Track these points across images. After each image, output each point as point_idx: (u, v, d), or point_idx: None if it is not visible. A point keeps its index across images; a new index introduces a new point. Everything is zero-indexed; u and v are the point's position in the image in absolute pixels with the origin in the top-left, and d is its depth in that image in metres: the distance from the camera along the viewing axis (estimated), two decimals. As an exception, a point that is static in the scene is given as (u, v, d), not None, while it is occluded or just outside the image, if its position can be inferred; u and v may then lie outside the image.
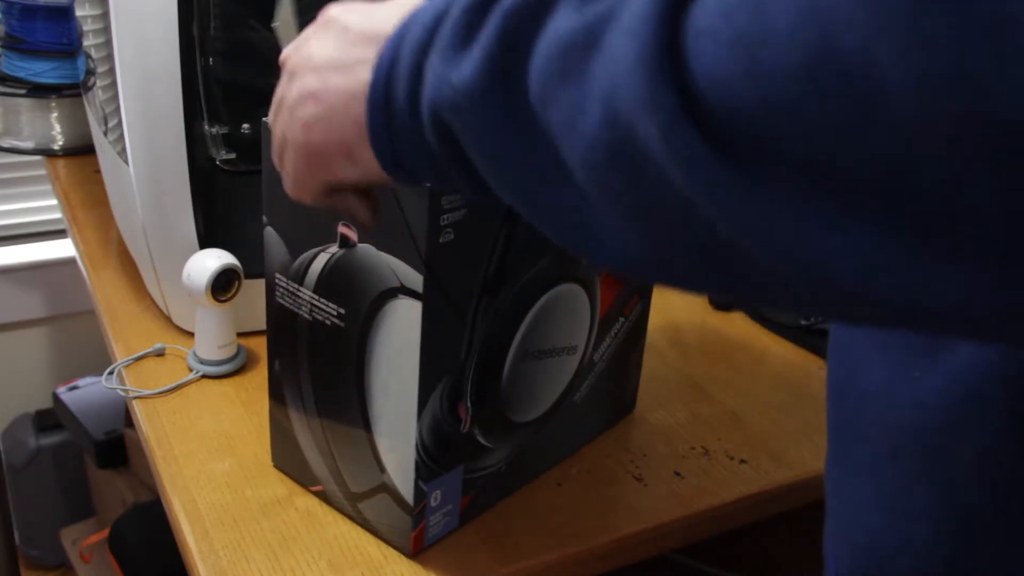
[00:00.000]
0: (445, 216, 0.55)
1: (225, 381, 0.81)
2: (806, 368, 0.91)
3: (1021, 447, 0.40)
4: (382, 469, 0.63)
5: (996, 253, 0.25)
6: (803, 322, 0.95)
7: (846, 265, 0.26)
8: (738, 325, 0.97)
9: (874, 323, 0.30)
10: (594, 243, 0.35)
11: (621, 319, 0.75)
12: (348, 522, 0.67)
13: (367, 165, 0.44)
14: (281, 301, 0.64)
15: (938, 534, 0.44)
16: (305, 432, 0.67)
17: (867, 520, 0.48)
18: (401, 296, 0.57)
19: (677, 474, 0.75)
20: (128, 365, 0.82)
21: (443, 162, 0.39)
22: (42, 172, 1.52)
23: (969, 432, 0.41)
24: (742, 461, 0.77)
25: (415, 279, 0.56)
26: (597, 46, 0.30)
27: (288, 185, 0.50)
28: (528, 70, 0.33)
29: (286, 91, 0.47)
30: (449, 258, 0.56)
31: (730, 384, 0.87)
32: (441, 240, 0.55)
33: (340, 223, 0.58)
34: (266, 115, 0.61)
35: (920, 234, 0.25)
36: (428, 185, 0.49)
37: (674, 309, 0.99)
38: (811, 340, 0.94)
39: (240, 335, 0.83)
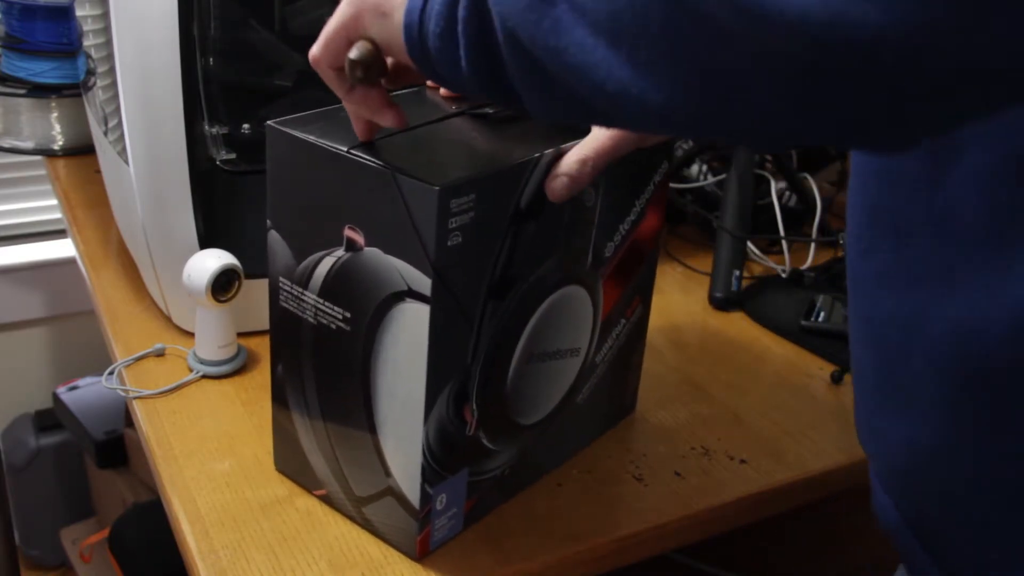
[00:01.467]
0: (453, 219, 0.55)
1: (225, 381, 0.81)
2: (806, 368, 0.91)
3: None
4: (387, 473, 0.63)
5: (675, 71, 0.37)
6: (803, 322, 0.95)
7: (593, 67, 0.40)
8: (738, 325, 0.97)
9: (613, 117, 0.42)
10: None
11: (623, 321, 0.75)
12: (348, 522, 0.67)
13: (392, 28, 0.50)
14: (285, 305, 0.64)
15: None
16: (308, 436, 0.67)
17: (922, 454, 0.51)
18: (408, 299, 0.57)
19: (677, 474, 0.75)
20: (128, 365, 0.82)
21: (469, 42, 0.46)
22: (42, 172, 1.52)
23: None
24: (742, 461, 0.77)
25: (423, 282, 0.56)
26: None
27: (315, 46, 0.55)
28: None
29: None
30: (457, 261, 0.56)
31: (730, 384, 0.87)
32: (449, 243, 0.55)
33: (347, 227, 0.58)
34: (267, 115, 0.61)
35: (630, 47, 0.38)
36: (434, 75, 0.50)
37: (674, 309, 0.99)
38: (811, 340, 0.94)
39: (240, 335, 0.83)
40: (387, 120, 0.56)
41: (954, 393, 0.50)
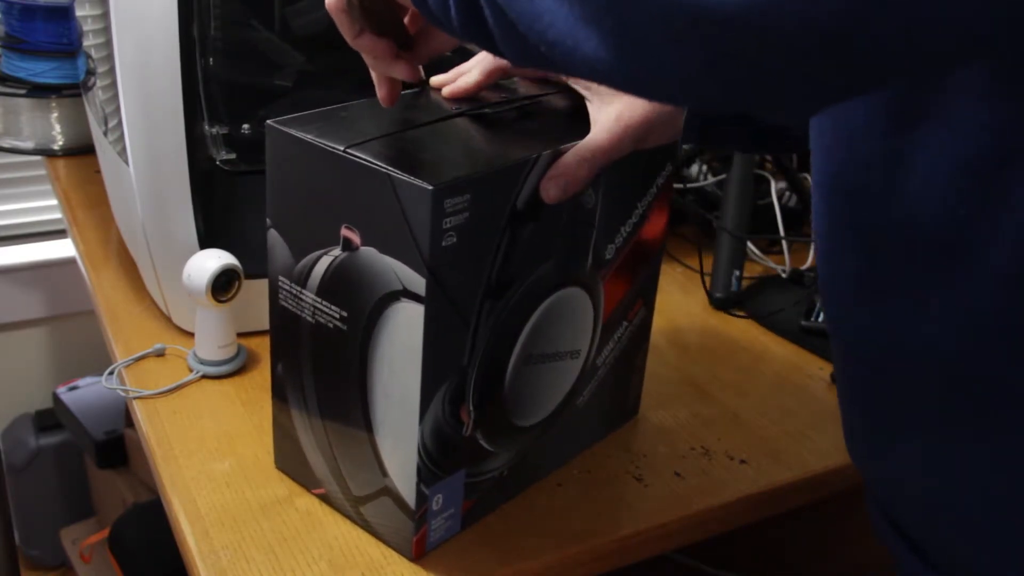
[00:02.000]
0: (448, 219, 0.55)
1: (225, 381, 0.81)
2: (806, 368, 0.91)
3: None
4: (384, 472, 0.63)
5: (599, 26, 0.38)
6: (803, 322, 0.95)
7: (537, 16, 0.41)
8: (738, 325, 0.97)
9: (565, 67, 0.43)
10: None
11: (624, 323, 0.75)
12: (348, 522, 0.67)
13: None
14: (284, 304, 0.64)
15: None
16: (307, 434, 0.67)
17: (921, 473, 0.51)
18: (403, 299, 0.57)
19: (677, 474, 0.75)
20: (128, 365, 0.82)
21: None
22: (42, 172, 1.52)
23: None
24: (742, 461, 0.77)
25: (418, 282, 0.56)
26: None
27: None
28: None
29: None
30: (452, 261, 0.56)
31: (730, 384, 0.87)
32: (444, 243, 0.55)
33: (343, 226, 0.58)
34: (267, 115, 0.61)
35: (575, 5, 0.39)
36: (430, 17, 0.51)
37: (675, 310, 0.99)
38: (811, 341, 0.94)
39: (240, 335, 0.83)
40: (399, 72, 0.59)
41: (935, 404, 0.50)
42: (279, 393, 0.68)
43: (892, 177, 0.47)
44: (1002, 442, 0.47)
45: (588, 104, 0.63)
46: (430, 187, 0.53)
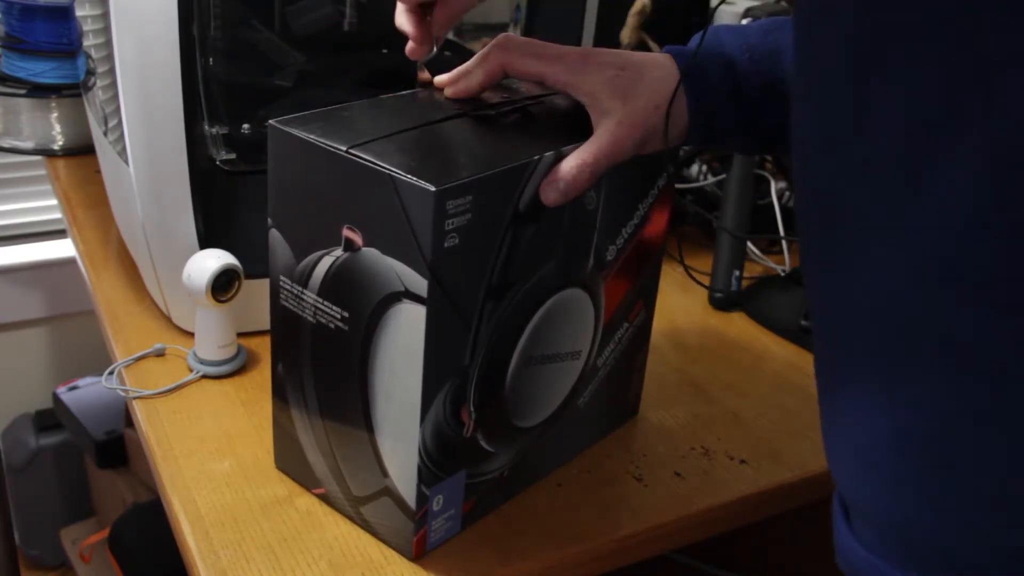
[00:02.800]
0: (450, 221, 0.55)
1: (225, 381, 0.81)
2: (806, 368, 0.91)
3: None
4: (384, 473, 0.63)
5: None
6: (803, 322, 0.95)
7: None
8: (738, 325, 0.97)
9: None
10: None
11: (625, 324, 0.75)
12: (348, 522, 0.67)
13: None
14: (285, 304, 0.64)
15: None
16: (308, 434, 0.67)
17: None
18: (405, 300, 0.57)
19: (677, 474, 0.75)
20: (128, 365, 0.82)
21: None
22: (42, 172, 1.52)
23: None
24: (742, 461, 0.77)
25: (419, 284, 0.56)
26: None
27: None
28: None
29: None
30: (453, 263, 0.56)
31: (730, 384, 0.87)
32: (446, 245, 0.55)
33: (345, 227, 0.58)
34: (267, 115, 0.61)
35: None
36: None
37: (675, 310, 0.99)
38: (811, 340, 0.94)
39: (240, 335, 0.83)
40: (405, 23, 0.64)
41: (875, 352, 0.50)
42: (279, 393, 0.68)
43: (852, 123, 0.47)
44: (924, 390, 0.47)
45: (589, 110, 0.63)
46: (433, 188, 0.53)
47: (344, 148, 0.56)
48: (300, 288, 0.62)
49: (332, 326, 0.61)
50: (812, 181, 0.50)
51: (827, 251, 0.50)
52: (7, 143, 1.23)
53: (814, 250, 0.51)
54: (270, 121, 0.60)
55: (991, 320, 0.42)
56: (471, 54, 0.67)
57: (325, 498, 0.68)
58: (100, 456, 1.47)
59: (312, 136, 0.58)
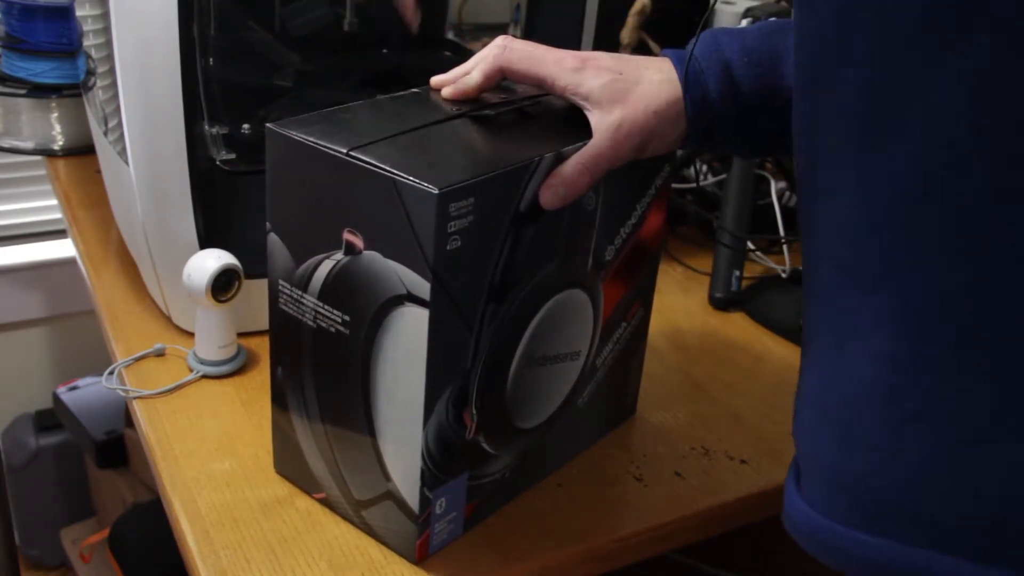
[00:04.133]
0: (452, 223, 0.54)
1: (225, 381, 0.81)
2: (806, 368, 0.91)
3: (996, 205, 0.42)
4: (387, 476, 0.62)
5: None
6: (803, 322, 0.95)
7: None
8: (738, 325, 0.97)
9: None
10: None
11: (624, 324, 0.75)
12: (348, 523, 0.67)
13: None
14: (284, 308, 0.64)
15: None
16: (308, 439, 0.67)
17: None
18: (407, 303, 0.57)
19: (677, 474, 0.75)
20: (128, 365, 0.82)
21: None
22: (42, 172, 1.52)
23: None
24: (742, 461, 0.77)
25: (422, 286, 0.56)
26: None
27: None
28: None
29: None
30: (456, 265, 0.56)
31: (730, 384, 0.87)
32: (448, 247, 0.55)
33: (346, 230, 0.58)
34: (267, 115, 0.61)
35: None
36: None
37: (674, 310, 0.99)
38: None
39: (240, 335, 0.83)
40: None
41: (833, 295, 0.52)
42: (279, 398, 0.68)
43: (835, 63, 0.47)
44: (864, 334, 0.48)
45: (588, 114, 0.63)
46: (436, 191, 0.53)
47: (344, 151, 0.56)
48: (300, 292, 0.62)
49: (333, 330, 0.61)
50: (801, 119, 0.51)
51: (809, 186, 0.51)
52: (7, 143, 1.23)
53: (802, 186, 0.52)
54: (268, 124, 0.60)
55: (956, 267, 0.43)
56: (471, 54, 0.67)
57: (326, 502, 0.68)
58: (100, 456, 1.46)
59: (311, 139, 0.58)
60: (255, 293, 0.80)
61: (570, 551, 0.67)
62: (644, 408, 0.82)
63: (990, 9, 0.39)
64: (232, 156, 0.84)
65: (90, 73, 0.94)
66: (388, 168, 0.55)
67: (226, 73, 0.86)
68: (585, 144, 0.62)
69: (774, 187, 1.12)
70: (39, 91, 1.20)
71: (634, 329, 0.76)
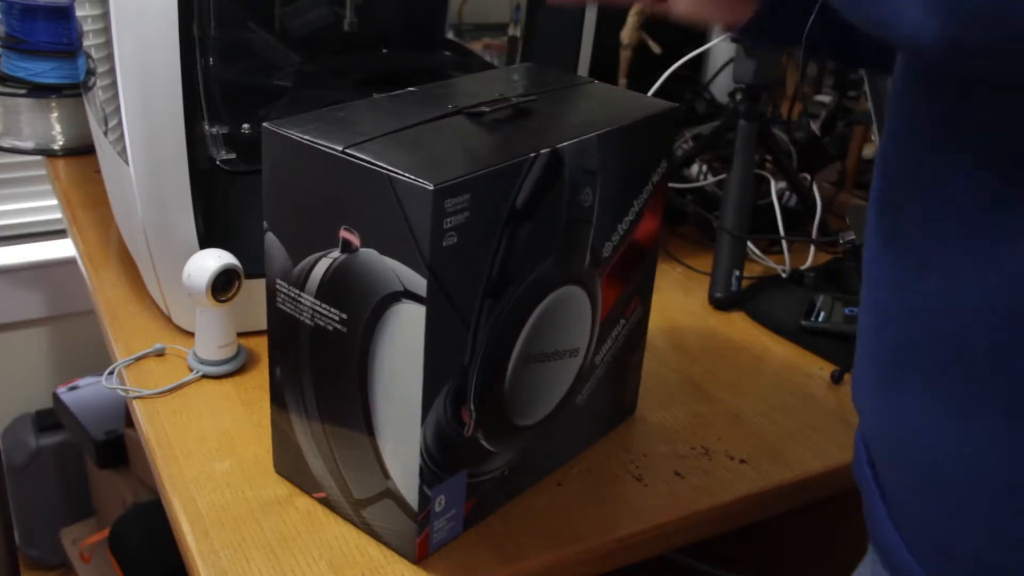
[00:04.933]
0: (448, 219, 0.54)
1: (225, 381, 0.81)
2: (806, 368, 0.91)
3: None
4: (386, 475, 0.62)
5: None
6: (803, 322, 0.95)
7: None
8: (738, 325, 0.97)
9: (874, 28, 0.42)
10: None
11: (622, 321, 0.75)
12: (348, 522, 0.67)
13: None
14: (282, 307, 0.64)
15: (998, 430, 0.46)
16: (307, 438, 0.67)
17: (925, 432, 0.50)
18: (404, 300, 0.57)
19: (677, 474, 0.75)
20: (128, 365, 0.82)
21: None
22: (42, 172, 1.52)
23: None
24: (742, 461, 0.77)
25: (418, 283, 0.56)
26: None
27: None
28: None
29: None
30: (452, 261, 0.56)
31: (730, 384, 0.87)
32: (444, 243, 0.55)
33: (342, 228, 0.58)
34: (267, 115, 0.61)
35: None
36: None
37: (674, 309, 0.99)
38: (811, 340, 0.94)
39: (240, 335, 0.83)
40: None
41: (927, 370, 0.50)
42: (278, 397, 0.68)
43: (939, 135, 0.48)
44: (988, 424, 0.47)
45: None
46: (431, 187, 0.53)
47: (340, 148, 0.56)
48: (297, 291, 0.62)
49: (330, 328, 0.61)
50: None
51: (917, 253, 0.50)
52: (7, 143, 1.23)
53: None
54: (264, 124, 0.60)
55: None
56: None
57: (326, 502, 0.68)
58: (100, 456, 1.47)
59: (307, 137, 0.58)
60: (255, 293, 0.80)
61: (570, 551, 0.67)
62: (644, 408, 0.82)
63: None
64: (232, 156, 0.84)
65: (90, 73, 0.94)
66: (384, 165, 0.55)
67: (226, 73, 0.86)
68: (583, 139, 0.62)
69: (774, 187, 1.12)
70: (39, 91, 1.20)
71: (633, 327, 0.76)
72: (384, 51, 0.99)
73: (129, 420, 1.46)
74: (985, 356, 0.46)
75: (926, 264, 0.49)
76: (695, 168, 1.18)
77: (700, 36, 1.16)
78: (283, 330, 0.65)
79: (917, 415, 0.50)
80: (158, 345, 0.84)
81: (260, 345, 0.84)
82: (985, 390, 0.47)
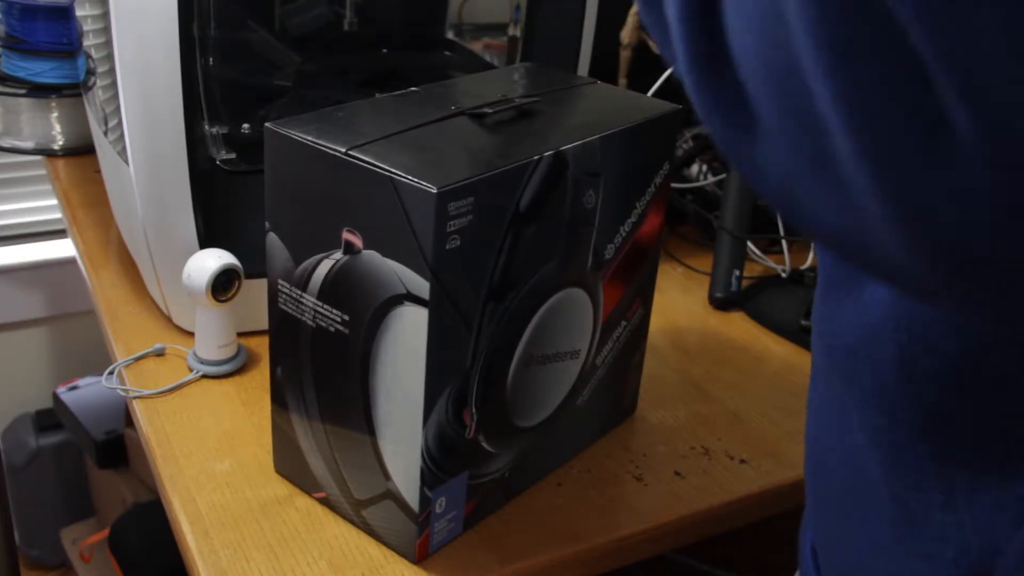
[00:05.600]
0: (452, 222, 0.54)
1: (225, 381, 0.81)
2: (806, 368, 0.91)
3: (905, 384, 0.43)
4: (387, 476, 0.63)
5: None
6: (803, 322, 0.95)
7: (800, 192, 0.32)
8: (738, 325, 0.97)
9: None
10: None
11: (623, 323, 0.75)
12: (348, 522, 0.67)
13: None
14: (284, 308, 0.64)
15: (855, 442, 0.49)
16: (308, 438, 0.67)
17: (812, 424, 0.57)
18: (407, 303, 0.57)
19: (677, 474, 0.75)
20: (128, 365, 0.82)
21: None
22: (42, 172, 1.52)
23: (871, 359, 0.45)
24: (742, 461, 0.77)
25: (421, 286, 0.56)
26: None
27: None
28: None
29: None
30: (455, 264, 0.56)
31: (730, 384, 0.87)
32: (447, 246, 0.55)
33: (345, 229, 0.58)
34: (267, 115, 0.61)
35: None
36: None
37: (674, 310, 0.99)
38: (811, 340, 0.94)
39: (240, 335, 0.83)
40: None
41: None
42: (278, 398, 0.68)
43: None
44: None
45: None
46: (435, 189, 0.53)
47: (343, 150, 0.56)
48: (299, 292, 0.62)
49: (332, 330, 0.61)
50: None
51: None
52: (7, 143, 1.23)
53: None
54: (267, 124, 0.60)
55: None
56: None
57: (326, 502, 0.68)
58: (100, 456, 1.47)
59: (310, 138, 0.58)
60: (255, 293, 0.80)
61: (570, 551, 0.67)
62: (644, 408, 0.82)
63: None
64: (232, 156, 0.84)
65: (90, 73, 0.94)
66: (387, 167, 0.55)
67: (226, 73, 0.86)
68: (586, 142, 0.62)
69: (774, 187, 1.12)
70: (39, 91, 1.20)
71: (634, 328, 0.76)
72: (384, 51, 0.99)
73: (129, 420, 1.46)
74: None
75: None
76: (695, 168, 1.18)
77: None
78: (284, 331, 0.65)
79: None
80: (158, 345, 0.84)
81: (260, 345, 0.84)
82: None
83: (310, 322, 0.62)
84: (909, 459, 0.44)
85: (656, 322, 0.95)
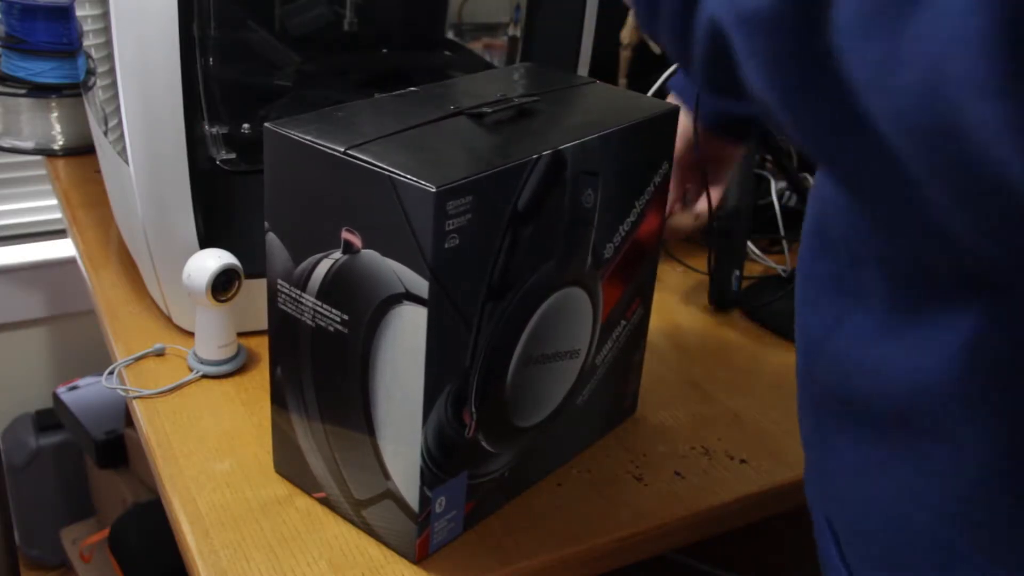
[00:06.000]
0: (451, 221, 0.54)
1: (225, 381, 0.81)
2: (806, 368, 0.91)
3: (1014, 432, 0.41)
4: (387, 476, 0.63)
5: None
6: (803, 322, 0.95)
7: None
8: (738, 325, 0.97)
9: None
10: (892, 195, 0.34)
11: (623, 323, 0.75)
12: (348, 522, 0.67)
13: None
14: (283, 307, 0.64)
15: (945, 492, 0.45)
16: (308, 438, 0.67)
17: (861, 485, 0.53)
18: (406, 302, 0.57)
19: (677, 474, 0.75)
20: (128, 365, 0.82)
21: (702, 61, 0.40)
22: (42, 172, 1.52)
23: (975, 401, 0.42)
24: (742, 461, 0.77)
25: (420, 285, 0.56)
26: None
27: None
28: (834, 5, 0.31)
29: None
30: (454, 263, 0.56)
31: (730, 384, 0.87)
32: (446, 245, 0.55)
33: (344, 229, 0.58)
34: (267, 115, 0.61)
35: None
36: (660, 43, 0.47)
37: (674, 310, 0.99)
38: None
39: (240, 335, 0.83)
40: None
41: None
42: (278, 398, 0.68)
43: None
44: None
45: None
46: (433, 189, 0.53)
47: (342, 149, 0.56)
48: (298, 292, 0.62)
49: (332, 329, 0.61)
50: None
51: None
52: (7, 143, 1.23)
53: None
54: (266, 124, 0.60)
55: None
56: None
57: (326, 502, 0.68)
58: (100, 456, 1.47)
59: (309, 138, 0.58)
60: (255, 293, 0.80)
61: (570, 551, 0.67)
62: (644, 408, 0.82)
63: None
64: (232, 156, 0.84)
65: (90, 73, 0.94)
66: (386, 166, 0.55)
67: (226, 73, 0.86)
68: (585, 141, 0.62)
69: (774, 187, 1.12)
70: (39, 91, 1.20)
71: (634, 328, 0.76)
72: (384, 51, 0.99)
73: (129, 420, 1.46)
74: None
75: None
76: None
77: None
78: (284, 330, 0.65)
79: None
80: (158, 345, 0.84)
81: (260, 345, 0.84)
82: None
83: (309, 322, 0.62)
84: None
85: (656, 322, 0.94)
